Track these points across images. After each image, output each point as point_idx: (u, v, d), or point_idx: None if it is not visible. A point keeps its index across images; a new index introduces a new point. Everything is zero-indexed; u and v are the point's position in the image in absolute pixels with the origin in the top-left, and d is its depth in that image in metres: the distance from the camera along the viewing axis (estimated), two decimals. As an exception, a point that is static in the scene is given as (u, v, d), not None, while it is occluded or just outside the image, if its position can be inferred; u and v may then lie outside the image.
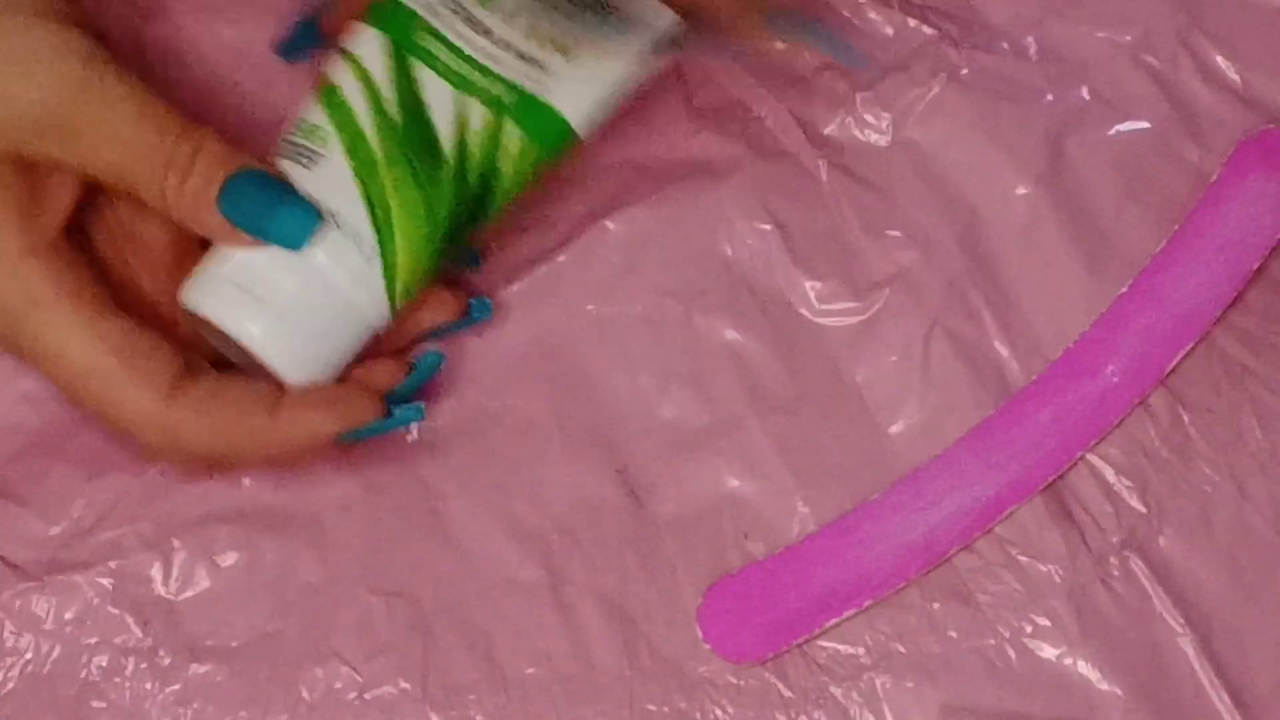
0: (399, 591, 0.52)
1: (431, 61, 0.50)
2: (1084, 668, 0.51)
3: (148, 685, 0.51)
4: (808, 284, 0.54)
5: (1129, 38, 0.54)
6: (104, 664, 0.51)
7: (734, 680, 0.52)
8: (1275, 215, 0.53)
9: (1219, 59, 0.54)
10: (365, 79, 0.50)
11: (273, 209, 0.48)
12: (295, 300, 0.49)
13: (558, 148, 0.51)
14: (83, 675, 0.51)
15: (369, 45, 0.51)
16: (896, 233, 0.54)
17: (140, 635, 0.51)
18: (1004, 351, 0.53)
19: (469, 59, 0.50)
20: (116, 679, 0.51)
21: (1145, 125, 0.54)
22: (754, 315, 0.53)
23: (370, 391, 0.50)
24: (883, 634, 0.52)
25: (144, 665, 0.51)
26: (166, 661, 0.51)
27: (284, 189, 0.48)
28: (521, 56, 0.50)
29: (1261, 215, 0.53)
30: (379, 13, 0.51)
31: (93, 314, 0.47)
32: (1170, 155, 0.54)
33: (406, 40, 0.50)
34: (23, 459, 0.52)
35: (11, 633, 0.51)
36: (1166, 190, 0.54)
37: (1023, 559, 0.52)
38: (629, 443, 0.53)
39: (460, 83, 0.50)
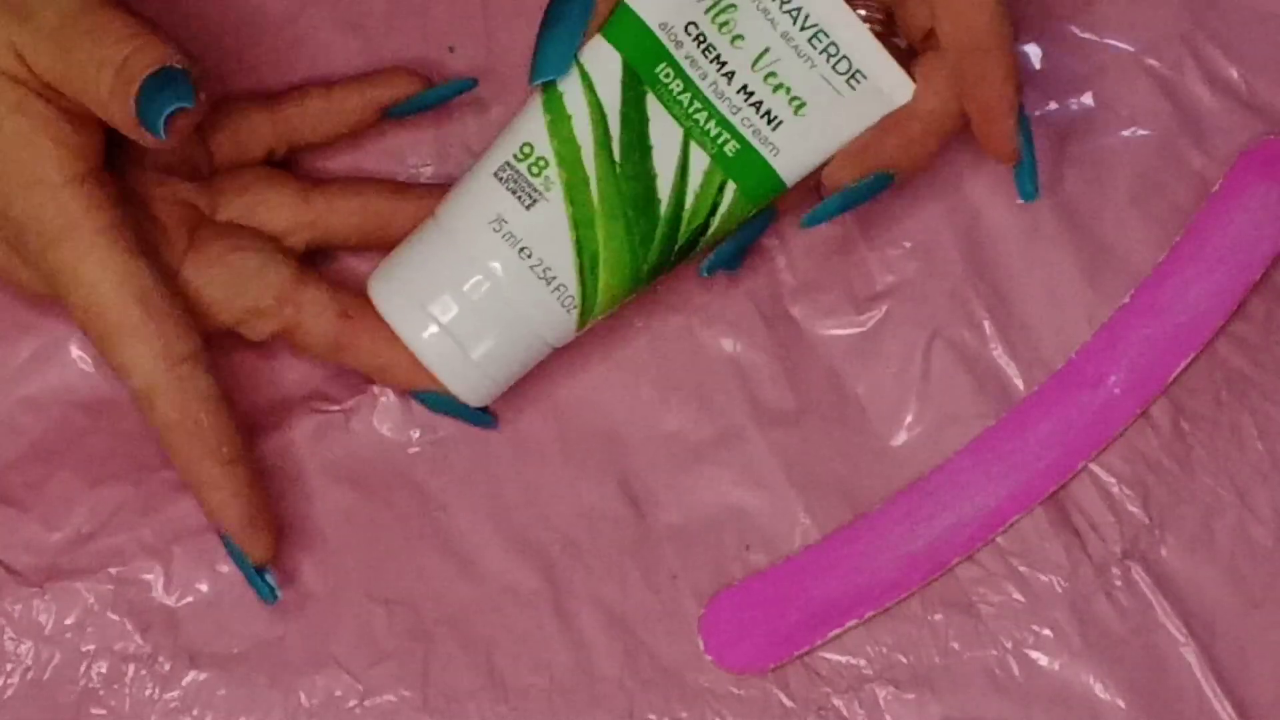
0: (400, 599, 0.52)
1: (663, 93, 0.47)
2: (1086, 678, 0.51)
3: (147, 692, 0.51)
4: (809, 295, 0.53)
5: (1133, 44, 0.54)
6: (104, 670, 0.51)
7: (735, 690, 0.51)
8: (1276, 225, 0.53)
9: (1224, 64, 0.54)
10: (596, 107, 0.47)
11: (158, 98, 0.44)
12: (493, 345, 0.48)
13: (766, 206, 0.49)
14: (82, 682, 0.51)
15: (604, 65, 0.47)
16: (898, 243, 0.54)
17: (140, 642, 0.51)
18: (1005, 362, 0.53)
19: (701, 96, 0.47)
20: (116, 686, 0.51)
21: (1149, 132, 0.54)
22: (755, 326, 0.53)
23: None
24: (884, 645, 0.52)
25: (144, 672, 0.51)
26: (166, 668, 0.51)
27: (184, 87, 0.45)
28: (754, 102, 0.47)
29: (1263, 225, 0.53)
30: (618, 27, 0.47)
31: (127, 252, 0.46)
32: (1174, 162, 0.54)
33: (642, 65, 0.47)
34: (24, 465, 0.52)
35: (11, 639, 0.51)
36: (1170, 197, 0.53)
37: (1024, 569, 0.52)
38: (630, 454, 0.53)
39: (688, 122, 0.47)
